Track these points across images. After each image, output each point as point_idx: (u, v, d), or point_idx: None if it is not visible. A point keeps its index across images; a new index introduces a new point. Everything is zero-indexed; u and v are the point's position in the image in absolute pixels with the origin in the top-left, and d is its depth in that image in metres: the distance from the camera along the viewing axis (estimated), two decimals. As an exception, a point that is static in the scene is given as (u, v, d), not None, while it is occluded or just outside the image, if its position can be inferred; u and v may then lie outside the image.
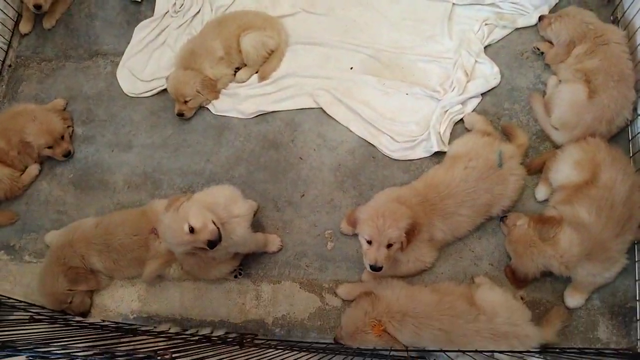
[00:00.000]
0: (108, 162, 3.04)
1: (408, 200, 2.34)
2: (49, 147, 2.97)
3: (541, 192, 2.55)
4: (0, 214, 2.98)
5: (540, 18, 2.83)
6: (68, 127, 3.10)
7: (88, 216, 2.85)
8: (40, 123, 2.92)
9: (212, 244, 2.15)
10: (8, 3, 3.41)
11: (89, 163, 3.05)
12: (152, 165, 2.99)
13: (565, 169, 2.41)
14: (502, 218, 2.46)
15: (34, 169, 3.03)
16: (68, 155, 3.03)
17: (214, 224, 2.15)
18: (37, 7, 3.29)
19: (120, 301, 2.73)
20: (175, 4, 3.31)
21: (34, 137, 2.90)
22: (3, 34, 3.38)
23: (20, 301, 2.64)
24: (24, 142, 2.91)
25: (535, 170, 2.60)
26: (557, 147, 2.59)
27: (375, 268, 2.24)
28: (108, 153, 3.06)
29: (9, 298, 2.63)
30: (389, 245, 2.22)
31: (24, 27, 3.46)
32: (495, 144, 2.47)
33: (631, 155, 2.52)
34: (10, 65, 3.42)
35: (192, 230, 2.13)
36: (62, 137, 3.01)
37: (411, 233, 2.24)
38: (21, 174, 3.01)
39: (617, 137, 2.58)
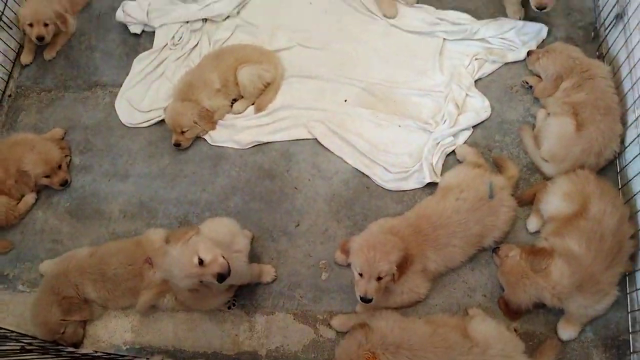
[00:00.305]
0: (104, 192, 3.06)
1: (401, 232, 2.37)
2: (47, 176, 2.99)
3: (532, 224, 2.59)
4: (-6, 243, 3.00)
5: (529, 53, 2.92)
6: (66, 156, 3.13)
7: (83, 246, 2.85)
8: (39, 152, 2.95)
9: (222, 277, 2.16)
10: (11, 35, 3.48)
11: (85, 192, 3.08)
12: (149, 194, 3.01)
13: (555, 201, 2.45)
14: (495, 249, 2.49)
15: (30, 197, 3.05)
16: (65, 184, 3.05)
17: (223, 258, 2.18)
18: (40, 38, 3.37)
19: (114, 332, 2.71)
20: (173, 37, 3.39)
21: (32, 166, 2.93)
22: (5, 65, 3.44)
23: (12, 331, 2.62)
24: (22, 171, 2.93)
25: (527, 201, 2.64)
26: (547, 179, 2.64)
27: (365, 300, 2.26)
28: (105, 182, 3.09)
29: (1, 328, 2.62)
30: (380, 278, 2.24)
31: (25, 58, 3.53)
32: (486, 176, 2.52)
33: (620, 187, 2.57)
34: (10, 95, 3.47)
35: (201, 262, 2.15)
36: (60, 167, 3.03)
37: (403, 265, 2.26)
38: (17, 203, 3.02)
39: (606, 169, 2.64)
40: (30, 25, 3.37)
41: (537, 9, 2.76)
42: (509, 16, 3.12)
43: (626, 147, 2.57)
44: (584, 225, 2.30)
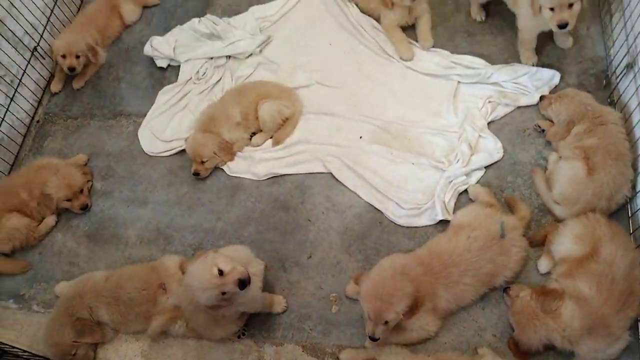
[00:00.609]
0: (123, 217, 3.14)
1: (413, 271, 2.38)
2: (68, 200, 3.08)
3: (543, 265, 2.60)
4: (13, 263, 3.05)
5: (541, 98, 2.99)
6: (88, 181, 3.23)
7: (99, 269, 2.91)
8: (62, 177, 3.05)
9: (243, 283, 2.20)
10: (44, 65, 3.66)
11: (104, 217, 3.16)
12: (166, 221, 3.08)
13: (566, 243, 2.47)
14: (505, 289, 2.49)
15: (51, 220, 3.14)
16: (85, 208, 3.14)
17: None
18: (71, 69, 3.55)
19: (124, 356, 2.73)
20: (198, 71, 3.53)
21: (55, 190, 3.03)
22: (36, 92, 3.60)
23: (24, 351, 2.64)
24: (45, 194, 3.03)
25: (538, 243, 2.66)
26: (558, 221, 2.66)
27: (372, 338, 2.31)
28: (124, 208, 3.17)
29: (13, 347, 2.64)
30: (387, 322, 2.28)
31: (55, 87, 3.69)
32: (498, 215, 2.55)
33: (631, 232, 2.58)
34: (38, 121, 3.61)
35: (221, 273, 2.19)
36: (82, 191, 3.13)
37: (413, 308, 2.29)
38: (38, 225, 3.11)
39: (618, 213, 2.66)
40: (63, 56, 3.54)
41: (559, 27, 2.82)
42: (522, 62, 3.21)
43: (637, 192, 2.60)
44: (595, 268, 2.31)
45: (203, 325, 2.57)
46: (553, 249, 2.54)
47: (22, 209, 3.06)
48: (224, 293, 2.22)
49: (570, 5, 2.76)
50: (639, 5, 2.72)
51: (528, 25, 3.06)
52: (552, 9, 2.78)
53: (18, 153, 3.46)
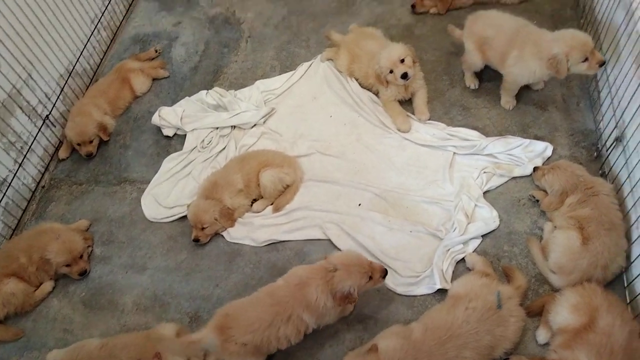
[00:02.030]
0: (120, 283, 3.14)
1: (409, 353, 2.34)
2: (67, 265, 3.10)
3: (542, 335, 2.56)
4: (6, 330, 3.01)
5: (535, 169, 3.08)
6: (88, 247, 3.26)
7: (93, 336, 2.86)
8: (63, 242, 3.08)
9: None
10: (54, 132, 3.80)
11: (102, 283, 3.16)
12: (163, 288, 3.08)
13: (563, 313, 2.45)
14: (505, 360, 2.46)
15: (48, 285, 3.14)
16: (84, 274, 3.15)
17: None
18: (89, 155, 3.72)
19: None
20: (203, 140, 3.65)
21: (55, 255, 3.05)
22: (44, 158, 3.71)
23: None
24: (44, 259, 3.05)
25: (536, 312, 2.64)
26: (555, 290, 2.66)
27: None
28: (122, 274, 3.18)
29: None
30: None
31: (63, 153, 3.81)
32: (493, 285, 2.55)
33: (628, 302, 2.57)
34: (43, 187, 3.69)
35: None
36: (81, 257, 3.15)
37: None
38: (35, 290, 3.10)
39: (614, 283, 2.66)
40: (79, 144, 3.69)
41: (601, 66, 2.98)
42: (502, 105, 3.45)
43: (632, 262, 2.61)
44: (593, 338, 2.28)
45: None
46: (551, 319, 2.52)
47: (20, 274, 3.06)
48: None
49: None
50: (624, 83, 2.86)
51: (517, 80, 3.30)
52: (585, 60, 2.96)
53: (21, 217, 3.51)
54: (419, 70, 3.57)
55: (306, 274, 2.53)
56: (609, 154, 3.00)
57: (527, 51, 3.12)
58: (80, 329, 2.99)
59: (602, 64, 2.97)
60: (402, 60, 3.36)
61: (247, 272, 3.05)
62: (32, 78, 3.58)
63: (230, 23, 4.54)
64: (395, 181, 3.26)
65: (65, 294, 3.14)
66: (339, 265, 2.48)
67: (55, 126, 3.80)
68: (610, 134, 2.99)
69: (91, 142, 3.71)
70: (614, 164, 2.94)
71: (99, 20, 4.37)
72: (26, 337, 3.01)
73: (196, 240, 3.14)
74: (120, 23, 4.68)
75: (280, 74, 4.03)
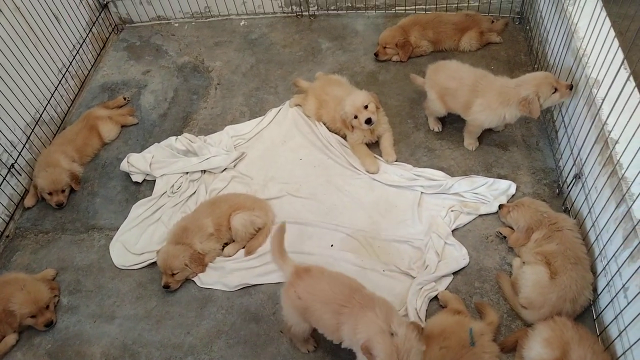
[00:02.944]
0: (88, 333, 3.03)
1: None
2: (33, 317, 2.98)
3: (517, 371, 2.59)
4: (-35, 388, 2.87)
5: (500, 207, 3.17)
6: (55, 296, 3.15)
7: (58, 391, 2.76)
8: (28, 292, 2.97)
9: None
10: (19, 181, 3.72)
11: (69, 334, 3.04)
12: (133, 337, 2.98)
13: (536, 348, 2.48)
14: (481, 397, 2.45)
15: (11, 339, 3.00)
16: (50, 325, 3.03)
17: None
18: (59, 205, 3.66)
19: None
20: (173, 185, 3.64)
21: (19, 306, 2.93)
22: (8, 207, 3.61)
23: None
24: (8, 311, 2.93)
25: (509, 348, 2.67)
26: (527, 325, 2.71)
27: None
28: (90, 324, 3.07)
29: None
30: None
31: (29, 202, 3.72)
32: (467, 322, 2.57)
33: (598, 334, 2.63)
34: (8, 236, 3.58)
35: None
36: (47, 307, 3.04)
37: None
38: (-4, 344, 2.97)
39: (584, 316, 2.72)
40: (49, 193, 3.63)
41: (570, 89, 3.11)
42: (465, 146, 3.61)
43: (598, 295, 2.69)
44: (567, 372, 2.33)
45: None
46: (524, 354, 2.55)
47: (-19, 327, 2.94)
48: None
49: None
50: (578, 122, 3.02)
51: (482, 125, 3.46)
52: (555, 91, 3.12)
53: (-17, 268, 3.39)
54: (383, 114, 3.70)
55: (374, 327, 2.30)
56: (570, 190, 3.13)
57: (492, 99, 3.27)
58: (43, 385, 2.85)
59: (572, 87, 3.13)
60: (366, 107, 3.48)
61: (219, 318, 3.00)
62: (-4, 126, 3.54)
63: (199, 71, 4.63)
64: (365, 221, 3.30)
65: (30, 346, 3.00)
66: None
67: (20, 175, 3.73)
68: (570, 171, 3.13)
69: (63, 191, 3.66)
70: (575, 199, 3.06)
71: (67, 69, 4.38)
72: (-14, 395, 2.86)
73: (166, 286, 3.09)
74: (89, 72, 4.70)
75: (249, 119, 4.10)
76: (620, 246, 2.43)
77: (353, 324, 2.30)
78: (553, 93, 3.13)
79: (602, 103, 2.72)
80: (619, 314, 2.40)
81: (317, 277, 2.50)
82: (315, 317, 2.46)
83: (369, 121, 3.47)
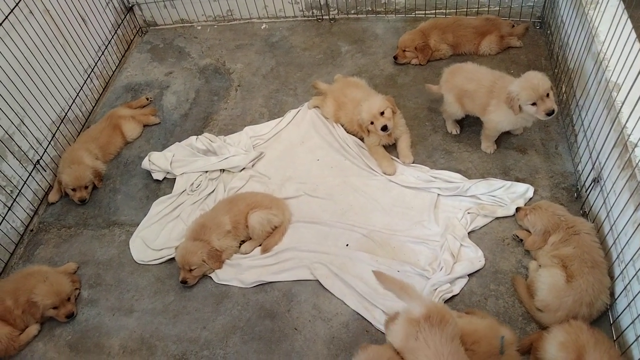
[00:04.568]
0: (107, 326, 3.10)
1: None
2: (54, 308, 3.06)
3: (532, 374, 2.58)
4: (-12, 375, 2.96)
5: (517, 209, 3.16)
6: (76, 289, 3.23)
7: (77, 381, 2.83)
8: (51, 284, 3.05)
9: None
10: (44, 177, 3.83)
11: (88, 326, 3.11)
12: (150, 330, 3.04)
13: (551, 350, 2.47)
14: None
15: (33, 329, 3.08)
16: (71, 316, 3.11)
17: None
18: (82, 201, 3.74)
19: None
20: (192, 183, 3.71)
21: (42, 297, 3.01)
22: (33, 202, 3.72)
23: None
24: (31, 302, 3.01)
25: (524, 351, 2.64)
26: (543, 328, 2.69)
27: None
28: (109, 317, 3.14)
29: None
30: None
31: (53, 197, 3.83)
32: (497, 328, 2.49)
33: (615, 339, 2.60)
34: (32, 230, 3.69)
35: None
36: (69, 299, 3.12)
37: None
38: (20, 334, 3.05)
39: (600, 321, 2.70)
40: (73, 189, 3.73)
41: (547, 115, 3.09)
42: (483, 149, 3.60)
43: (615, 299, 2.66)
44: (582, 376, 2.31)
45: None
46: (539, 357, 2.53)
47: (5, 317, 3.01)
48: None
49: (547, 95, 3.08)
50: (597, 126, 3.00)
51: (498, 128, 3.44)
52: (534, 104, 3.08)
53: (8, 261, 3.48)
54: (400, 117, 3.71)
55: None
56: (588, 194, 3.10)
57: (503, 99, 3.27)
58: (63, 374, 2.93)
59: (550, 113, 3.09)
60: (382, 113, 3.50)
61: (235, 313, 3.04)
62: (24, 124, 3.65)
63: (220, 73, 4.71)
64: (381, 222, 3.31)
65: (51, 337, 3.08)
66: None
67: (45, 170, 3.84)
68: (588, 175, 3.10)
69: (86, 187, 3.75)
70: (593, 203, 3.04)
71: (92, 69, 4.50)
72: (9, 382, 2.94)
73: (184, 282, 3.14)
74: (113, 72, 4.82)
75: (268, 121, 4.15)
76: (639, 250, 2.40)
77: None
78: (531, 105, 3.11)
79: (621, 106, 2.70)
80: (637, 318, 2.37)
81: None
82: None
83: (385, 128, 3.49)
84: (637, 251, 2.42)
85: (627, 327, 2.47)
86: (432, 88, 3.85)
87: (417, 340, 2.24)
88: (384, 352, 2.39)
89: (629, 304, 2.48)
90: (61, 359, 2.99)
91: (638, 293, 2.37)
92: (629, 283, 2.51)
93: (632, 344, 2.43)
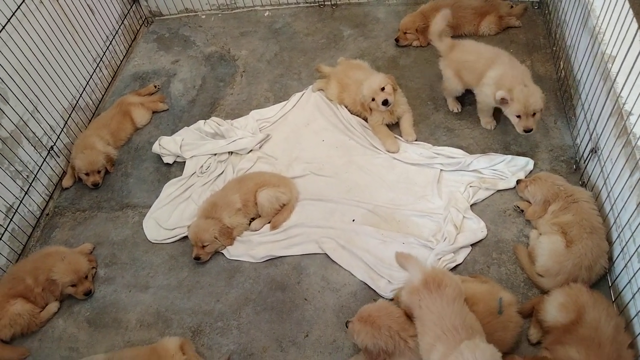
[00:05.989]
0: (124, 302, 3.22)
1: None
2: (73, 286, 3.19)
3: (533, 335, 2.67)
4: (12, 350, 3.07)
5: (518, 182, 3.26)
6: (92, 268, 3.36)
7: (97, 353, 2.92)
8: (69, 263, 3.18)
9: None
10: (58, 163, 3.95)
11: (106, 302, 3.24)
12: (166, 305, 3.16)
13: (552, 311, 2.57)
14: (498, 360, 2.53)
15: (53, 306, 3.21)
16: (89, 294, 3.23)
17: None
18: (95, 185, 3.86)
19: None
20: (202, 166, 3.82)
21: (61, 275, 3.14)
22: (48, 187, 3.84)
23: None
24: (50, 280, 3.14)
25: (526, 314, 2.75)
26: (544, 293, 2.79)
27: None
28: (125, 293, 3.26)
29: None
30: None
31: (67, 182, 3.95)
32: (496, 291, 2.62)
33: (613, 300, 2.70)
34: (48, 214, 3.81)
35: None
36: (86, 277, 3.24)
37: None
38: (40, 311, 3.17)
39: (599, 284, 2.80)
40: (86, 174, 3.84)
41: (524, 132, 3.21)
42: (482, 125, 3.69)
43: (613, 262, 2.76)
44: (582, 332, 2.40)
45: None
46: (541, 319, 2.64)
47: (26, 295, 3.14)
48: None
49: (534, 114, 3.18)
50: (594, 98, 3.09)
51: (486, 101, 3.51)
52: (518, 117, 3.19)
53: (26, 243, 3.61)
54: (402, 95, 3.81)
55: None
56: (587, 165, 3.19)
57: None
58: (85, 347, 3.05)
59: (527, 130, 3.22)
60: (383, 89, 3.60)
61: (247, 287, 3.16)
62: (38, 111, 3.76)
63: (226, 60, 4.80)
64: (386, 197, 3.42)
65: (70, 313, 3.21)
66: None
67: (59, 156, 3.96)
68: (586, 147, 3.19)
69: (99, 172, 3.87)
70: (591, 173, 3.13)
71: (101, 59, 4.60)
72: (32, 356, 3.06)
73: (197, 258, 3.26)
74: (121, 62, 4.92)
75: (274, 104, 4.25)
76: (634, 212, 2.50)
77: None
78: (517, 116, 3.22)
79: (616, 76, 2.79)
80: (633, 276, 2.47)
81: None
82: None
83: (385, 102, 3.59)
84: (632, 213, 2.52)
85: (624, 286, 2.57)
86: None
87: (421, 308, 2.35)
88: (389, 304, 2.56)
89: (626, 264, 2.58)
90: (81, 334, 3.11)
91: (634, 253, 2.47)
92: (625, 245, 2.60)
93: (629, 302, 2.53)
